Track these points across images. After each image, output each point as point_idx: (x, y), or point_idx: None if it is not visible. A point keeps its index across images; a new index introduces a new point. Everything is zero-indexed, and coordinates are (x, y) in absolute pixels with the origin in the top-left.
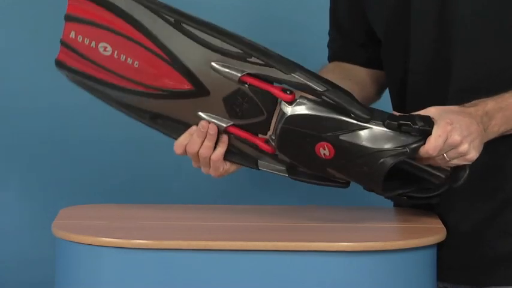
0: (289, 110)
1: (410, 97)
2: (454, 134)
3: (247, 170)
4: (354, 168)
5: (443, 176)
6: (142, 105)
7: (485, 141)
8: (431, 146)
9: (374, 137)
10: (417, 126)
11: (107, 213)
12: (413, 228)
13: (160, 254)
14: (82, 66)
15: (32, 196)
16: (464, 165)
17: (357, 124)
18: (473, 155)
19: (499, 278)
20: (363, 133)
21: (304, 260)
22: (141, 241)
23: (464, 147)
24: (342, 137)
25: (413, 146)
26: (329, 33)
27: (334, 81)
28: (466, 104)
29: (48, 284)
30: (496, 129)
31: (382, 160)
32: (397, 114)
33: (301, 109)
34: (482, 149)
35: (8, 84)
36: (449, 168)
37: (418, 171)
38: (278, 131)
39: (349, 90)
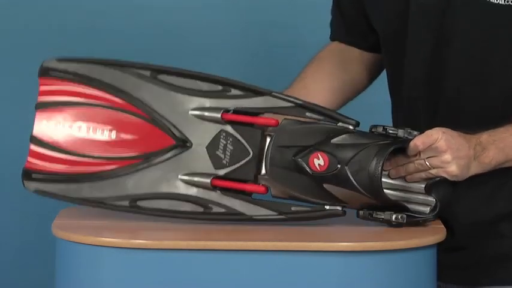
0: (276, 131)
1: (407, 108)
2: (442, 140)
3: None
4: (350, 170)
5: (433, 200)
6: (121, 190)
7: (476, 172)
8: (421, 139)
9: (363, 137)
10: (403, 130)
11: (107, 213)
12: (413, 228)
13: (160, 254)
14: (52, 165)
15: (32, 196)
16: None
17: (345, 129)
18: (453, 169)
19: (497, 278)
20: (353, 134)
21: (304, 260)
22: (141, 241)
23: (447, 156)
24: (333, 141)
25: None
26: (332, 13)
27: (333, 68)
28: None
29: (48, 284)
30: (488, 160)
31: (376, 152)
32: None
33: (288, 125)
34: (468, 174)
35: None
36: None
37: (408, 204)
38: (270, 154)
39: (348, 79)
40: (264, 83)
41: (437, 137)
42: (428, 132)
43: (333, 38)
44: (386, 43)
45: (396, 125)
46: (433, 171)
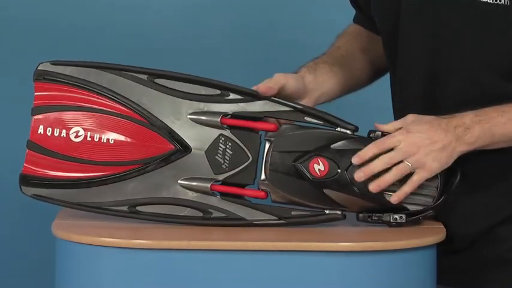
0: (276, 136)
1: (405, 108)
2: (410, 139)
3: None
4: (350, 175)
5: (431, 200)
6: (120, 196)
7: (461, 151)
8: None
9: (363, 142)
10: None
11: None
12: (413, 228)
13: (160, 254)
14: (49, 171)
15: None
16: (455, 170)
17: (344, 134)
18: (430, 165)
19: (495, 281)
20: (352, 140)
21: (304, 260)
22: (141, 241)
23: (419, 156)
24: (333, 146)
25: None
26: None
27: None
28: (445, 116)
29: (48, 284)
30: (473, 140)
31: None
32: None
33: (288, 131)
34: (450, 160)
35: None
36: (434, 193)
37: (407, 204)
38: (270, 159)
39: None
40: None
41: (398, 137)
42: (391, 134)
43: (355, 21)
44: (384, 44)
45: None
46: (416, 176)
